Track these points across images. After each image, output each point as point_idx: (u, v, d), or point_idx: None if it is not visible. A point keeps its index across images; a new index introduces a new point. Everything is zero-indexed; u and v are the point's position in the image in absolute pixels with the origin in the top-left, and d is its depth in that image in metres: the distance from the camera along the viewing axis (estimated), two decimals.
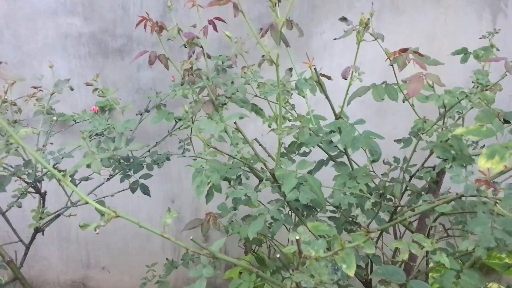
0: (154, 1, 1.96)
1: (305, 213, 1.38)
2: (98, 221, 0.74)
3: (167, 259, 1.86)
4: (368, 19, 1.14)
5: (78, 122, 1.93)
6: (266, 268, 1.90)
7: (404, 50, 1.23)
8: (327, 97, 1.38)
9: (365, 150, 1.43)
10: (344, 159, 1.46)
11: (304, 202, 1.09)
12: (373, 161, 1.30)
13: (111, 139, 1.40)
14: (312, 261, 0.73)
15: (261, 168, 1.30)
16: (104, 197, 1.61)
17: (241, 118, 1.16)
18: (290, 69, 1.13)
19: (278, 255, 0.89)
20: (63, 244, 2.34)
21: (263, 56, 1.06)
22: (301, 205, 1.29)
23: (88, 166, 1.28)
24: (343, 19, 1.21)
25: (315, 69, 1.31)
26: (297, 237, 0.72)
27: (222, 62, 1.88)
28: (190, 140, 1.86)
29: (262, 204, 1.59)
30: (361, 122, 1.32)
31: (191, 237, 0.86)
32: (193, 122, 1.78)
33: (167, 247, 2.38)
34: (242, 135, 1.22)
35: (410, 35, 2.01)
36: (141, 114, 1.92)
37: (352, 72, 1.19)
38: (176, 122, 1.84)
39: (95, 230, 0.74)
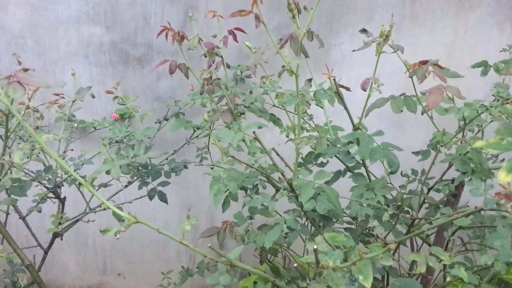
0: (175, 11, 1.99)
1: (321, 224, 1.37)
2: (119, 226, 0.75)
3: (182, 266, 1.87)
4: (389, 31, 1.14)
5: (98, 129, 1.97)
6: (281, 278, 1.90)
7: (424, 62, 1.23)
8: (345, 108, 1.39)
9: (382, 162, 1.43)
10: (362, 170, 1.46)
11: (322, 213, 1.09)
12: (391, 173, 1.30)
13: (131, 146, 1.42)
14: (330, 271, 0.73)
15: (279, 177, 1.30)
16: (122, 204, 1.63)
17: (259, 127, 1.17)
18: (310, 80, 1.14)
19: (295, 265, 0.89)
20: (80, 250, 2.36)
21: (283, 66, 1.07)
22: (318, 216, 1.29)
23: (108, 172, 1.30)
24: (363, 30, 1.21)
25: (334, 80, 1.32)
26: (315, 247, 0.72)
27: (241, 72, 1.89)
28: (208, 149, 1.87)
29: (279, 214, 1.59)
30: (380, 133, 1.31)
31: (209, 245, 0.87)
32: (211, 131, 1.80)
33: (182, 255, 2.39)
34: (260, 145, 1.23)
35: (429, 47, 2.01)
36: (160, 122, 1.94)
37: (372, 84, 1.19)
38: (194, 131, 1.86)
39: (115, 235, 0.75)
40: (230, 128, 1.52)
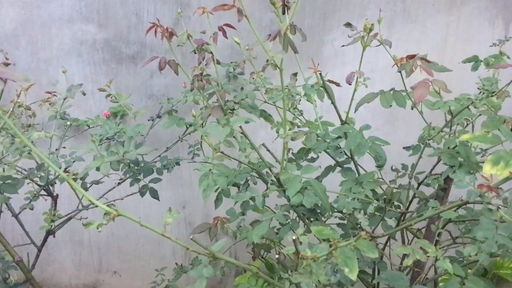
0: (167, 9, 1.99)
1: (311, 218, 1.38)
2: (101, 219, 0.76)
3: (176, 263, 1.87)
4: (372, 24, 1.14)
5: (92, 127, 1.98)
6: (275, 274, 1.90)
7: (412, 57, 1.23)
8: (333, 103, 1.39)
9: (374, 157, 1.43)
10: (351, 165, 1.46)
11: (308, 206, 1.10)
12: (378, 167, 1.30)
13: (121, 143, 1.42)
14: (309, 262, 0.73)
15: (266, 172, 1.30)
16: (114, 201, 1.63)
17: (247, 122, 1.17)
18: (295, 74, 1.15)
19: (276, 256, 0.89)
20: (75, 248, 2.37)
21: (267, 60, 1.07)
22: (306, 210, 1.30)
23: (97, 169, 1.31)
24: (348, 24, 1.22)
25: (320, 74, 1.32)
26: (294, 237, 0.72)
27: (234, 69, 1.90)
28: (200, 146, 1.88)
29: (271, 209, 1.60)
30: (367, 127, 1.32)
31: (190, 237, 0.88)
32: (196, 128, 1.81)
33: (178, 253, 2.39)
34: (248, 140, 1.23)
35: (421, 43, 2.01)
36: (152, 120, 1.95)
37: (357, 78, 1.19)
38: (187, 128, 1.86)
39: (97, 228, 0.75)
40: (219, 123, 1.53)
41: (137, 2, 1.98)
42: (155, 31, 1.42)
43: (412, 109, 1.45)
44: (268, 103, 1.63)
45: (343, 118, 1.37)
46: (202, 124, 1.77)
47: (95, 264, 2.41)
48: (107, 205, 0.85)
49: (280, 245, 1.74)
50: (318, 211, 1.35)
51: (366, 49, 1.37)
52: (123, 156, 1.33)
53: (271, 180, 1.18)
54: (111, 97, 1.85)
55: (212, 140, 1.33)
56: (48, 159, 0.75)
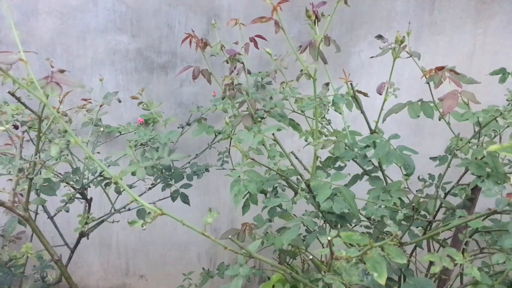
0: (198, 20, 2.05)
1: (339, 225, 1.40)
2: (145, 218, 0.80)
3: (203, 268, 1.91)
4: (404, 37, 1.17)
5: (123, 134, 2.04)
6: (298, 281, 1.93)
7: (440, 68, 1.25)
8: (362, 112, 1.42)
9: (400, 167, 1.46)
10: (379, 174, 1.49)
11: (338, 212, 1.12)
12: (406, 175, 1.32)
13: (155, 148, 1.47)
14: (343, 263, 0.76)
15: (297, 179, 1.34)
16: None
17: (278, 130, 1.21)
18: (327, 84, 1.18)
19: (311, 257, 0.92)
20: (104, 251, 2.43)
21: (301, 70, 1.11)
22: (334, 216, 1.32)
23: (133, 173, 1.35)
24: (379, 37, 1.25)
25: (351, 84, 1.35)
26: (329, 238, 0.75)
27: (262, 79, 1.94)
28: (229, 153, 1.92)
29: (296, 216, 1.63)
30: (396, 137, 1.34)
31: (229, 236, 0.91)
32: (230, 135, 1.85)
33: (203, 258, 2.44)
34: (280, 147, 1.27)
35: (448, 55, 2.03)
36: (182, 127, 2.00)
37: (387, 88, 1.22)
38: (216, 136, 1.91)
39: (142, 226, 0.80)
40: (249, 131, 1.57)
41: (169, 13, 2.05)
42: (190, 41, 1.47)
43: (439, 120, 1.47)
44: (296, 112, 1.67)
45: (372, 128, 1.40)
46: (231, 132, 1.82)
47: (122, 268, 2.46)
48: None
49: (306, 252, 1.77)
50: (345, 216, 1.37)
51: (391, 60, 1.40)
52: (157, 162, 1.38)
53: (301, 187, 1.21)
54: (143, 105, 1.91)
55: (242, 147, 1.37)
56: (101, 164, 0.80)
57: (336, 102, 1.32)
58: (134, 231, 2.38)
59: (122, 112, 2.19)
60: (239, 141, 1.21)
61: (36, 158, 1.26)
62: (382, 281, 0.95)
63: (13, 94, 1.16)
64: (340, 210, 1.12)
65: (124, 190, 1.69)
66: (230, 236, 0.91)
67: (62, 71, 0.76)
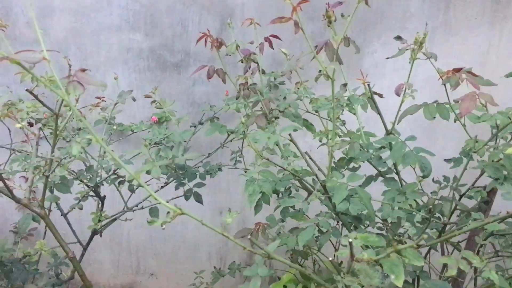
0: (211, 19, 2.05)
1: (353, 226, 1.40)
2: (165, 217, 0.80)
3: (214, 267, 1.91)
4: (423, 38, 1.16)
5: (135, 132, 2.05)
6: (309, 282, 1.93)
7: (458, 70, 1.25)
8: (379, 113, 1.41)
9: (414, 168, 1.45)
10: (393, 175, 1.48)
11: (354, 213, 1.12)
12: (423, 177, 1.32)
13: (169, 147, 1.48)
14: (363, 265, 0.76)
15: (313, 179, 1.33)
16: (158, 204, 1.68)
17: (295, 130, 1.20)
18: (345, 85, 1.18)
19: (330, 259, 0.92)
20: (115, 249, 2.43)
21: (319, 71, 1.10)
22: (350, 217, 1.32)
23: (148, 172, 1.36)
24: (398, 37, 1.24)
25: (368, 85, 1.35)
26: (350, 240, 0.75)
27: (274, 79, 1.94)
28: (241, 152, 1.92)
29: (309, 218, 1.63)
30: (412, 138, 1.34)
31: (248, 236, 0.91)
32: (245, 135, 1.85)
33: (213, 257, 2.44)
34: (296, 147, 1.27)
35: (462, 56, 2.02)
36: (195, 126, 2.00)
37: (405, 89, 1.22)
38: (228, 135, 1.91)
39: (161, 226, 0.80)
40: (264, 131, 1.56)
41: (182, 12, 2.05)
42: (205, 41, 1.47)
43: (454, 121, 1.47)
44: (310, 112, 1.67)
45: (389, 129, 1.39)
46: (244, 131, 1.82)
47: (133, 266, 2.47)
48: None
49: (318, 252, 1.76)
50: (360, 217, 1.37)
51: (405, 62, 1.39)
52: (172, 161, 1.38)
53: (317, 188, 1.21)
54: (156, 103, 1.91)
55: (258, 147, 1.37)
56: (121, 162, 0.80)
57: (352, 103, 1.32)
58: (145, 230, 2.39)
59: (135, 111, 2.20)
60: (255, 141, 1.21)
61: (53, 156, 1.27)
62: (400, 284, 0.94)
63: (31, 92, 1.17)
64: (357, 212, 1.12)
65: (137, 188, 1.69)
66: (249, 237, 0.91)
67: (83, 70, 0.76)
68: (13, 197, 1.19)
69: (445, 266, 1.50)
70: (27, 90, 1.17)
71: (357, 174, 1.21)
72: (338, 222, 1.42)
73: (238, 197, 2.33)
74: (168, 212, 0.80)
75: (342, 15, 1.05)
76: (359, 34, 2.04)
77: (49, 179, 1.33)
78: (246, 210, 2.34)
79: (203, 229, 2.39)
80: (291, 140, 1.23)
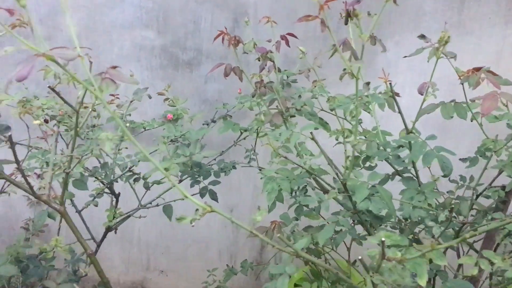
0: (224, 17, 2.05)
1: (371, 225, 1.40)
2: (193, 214, 0.80)
3: (227, 265, 1.92)
4: (449, 36, 1.16)
5: (147, 130, 2.04)
6: (321, 281, 1.92)
7: (478, 69, 1.25)
8: (400, 112, 1.42)
9: (429, 168, 1.45)
10: (408, 175, 1.48)
11: (376, 212, 1.12)
12: (444, 176, 1.32)
13: (186, 145, 1.48)
14: (395, 264, 0.76)
15: (333, 178, 1.33)
16: (174, 201, 1.68)
17: (316, 128, 1.21)
18: (368, 83, 1.18)
19: (360, 257, 0.92)
20: (125, 246, 2.44)
21: (344, 69, 1.11)
22: (371, 216, 1.32)
23: (166, 169, 1.36)
24: (422, 36, 1.24)
25: (390, 84, 1.35)
26: (383, 239, 0.75)
27: (287, 77, 1.94)
28: (254, 151, 1.92)
29: (322, 217, 1.63)
30: (433, 137, 1.34)
31: (278, 235, 0.91)
32: (258, 134, 1.85)
33: (224, 255, 2.44)
34: (317, 145, 1.27)
35: (476, 55, 2.01)
36: (207, 124, 2.00)
37: (428, 88, 1.22)
38: (241, 133, 1.91)
39: (191, 223, 0.80)
40: (286, 128, 1.57)
41: (195, 10, 2.05)
42: (222, 38, 1.47)
43: (471, 121, 1.46)
44: (325, 110, 1.67)
45: (409, 127, 1.39)
46: (257, 129, 1.82)
47: (143, 263, 2.47)
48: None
49: (332, 250, 1.76)
50: (380, 216, 1.37)
51: (418, 61, 1.39)
52: (189, 158, 1.38)
53: (337, 186, 1.21)
54: (169, 101, 1.91)
55: (275, 145, 1.37)
56: (156, 163, 0.80)
57: (374, 101, 1.32)
58: (155, 227, 2.39)
59: (147, 108, 2.20)
60: (276, 139, 1.21)
61: (73, 153, 1.27)
62: (423, 283, 0.94)
63: (53, 89, 1.17)
64: (379, 211, 1.12)
65: (152, 185, 1.69)
66: (278, 235, 0.91)
67: (114, 67, 0.76)
68: (33, 194, 1.19)
69: (460, 265, 1.50)
70: (49, 87, 1.17)
71: (377, 172, 1.21)
72: (353, 221, 1.42)
73: (248, 194, 2.33)
74: (197, 210, 0.80)
75: (369, 14, 1.05)
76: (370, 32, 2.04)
77: (70, 176, 1.33)
78: (256, 208, 2.34)
79: (213, 227, 2.41)
80: (312, 139, 1.23)
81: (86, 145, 1.41)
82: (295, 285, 2.08)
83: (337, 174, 1.18)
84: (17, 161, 1.07)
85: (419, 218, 1.17)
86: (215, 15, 2.06)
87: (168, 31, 2.08)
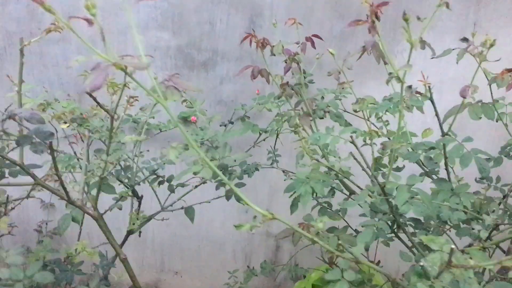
0: (239, 17, 2.04)
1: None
2: (253, 221, 0.80)
3: (247, 266, 1.92)
4: (494, 40, 1.17)
5: (163, 131, 2.03)
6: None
7: (510, 70, 1.25)
8: (436, 114, 1.43)
9: (452, 168, 1.46)
10: (441, 175, 1.48)
11: (418, 216, 1.12)
12: (481, 178, 1.33)
13: (214, 148, 1.47)
14: (462, 271, 0.76)
15: (371, 181, 1.34)
16: (200, 203, 1.67)
17: (353, 132, 1.21)
18: (410, 87, 1.18)
19: (422, 263, 0.92)
20: (139, 248, 2.43)
21: (390, 73, 1.11)
22: (411, 219, 1.33)
23: (195, 173, 1.35)
24: (464, 39, 1.25)
25: (429, 87, 1.35)
26: (452, 246, 0.75)
27: (305, 78, 1.94)
28: (273, 153, 1.92)
29: (344, 219, 1.63)
30: (469, 139, 1.34)
31: (339, 241, 0.91)
32: (277, 135, 1.85)
33: (238, 255, 2.44)
34: (356, 149, 1.27)
35: (492, 55, 2.02)
36: (225, 125, 1.99)
37: (470, 91, 1.22)
38: (260, 134, 1.91)
39: (250, 230, 0.79)
40: (297, 131, 1.57)
41: (210, 11, 2.04)
42: (250, 41, 1.47)
43: (496, 121, 1.47)
44: (348, 112, 1.67)
45: (445, 130, 1.40)
46: (277, 131, 1.82)
47: (157, 264, 2.46)
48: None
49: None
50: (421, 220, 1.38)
51: (435, 61, 1.39)
52: (220, 161, 1.38)
53: (377, 189, 1.21)
54: (187, 103, 1.90)
55: (288, 147, 1.37)
56: (216, 169, 0.80)
57: (414, 104, 1.32)
58: (169, 228, 2.38)
59: (162, 110, 2.18)
60: (315, 142, 1.21)
61: (107, 158, 1.26)
62: None
63: (90, 95, 1.16)
64: (421, 214, 1.12)
65: (176, 187, 1.69)
66: (339, 241, 0.91)
67: (175, 75, 0.75)
68: (68, 199, 1.18)
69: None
70: (87, 92, 1.15)
71: (416, 175, 1.21)
72: (397, 222, 1.42)
73: (265, 195, 2.33)
74: (255, 217, 0.80)
75: (419, 18, 1.05)
76: (388, 33, 2.05)
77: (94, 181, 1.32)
78: (272, 209, 2.34)
79: (228, 228, 2.40)
80: (352, 142, 1.23)
81: (117, 150, 1.40)
82: (313, 285, 2.08)
83: (375, 177, 1.18)
84: (56, 167, 1.06)
85: (457, 220, 1.18)
86: (230, 16, 2.05)
87: (184, 31, 2.07)
